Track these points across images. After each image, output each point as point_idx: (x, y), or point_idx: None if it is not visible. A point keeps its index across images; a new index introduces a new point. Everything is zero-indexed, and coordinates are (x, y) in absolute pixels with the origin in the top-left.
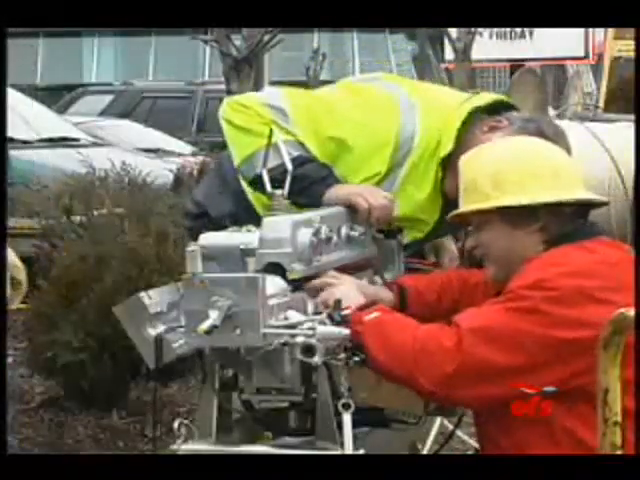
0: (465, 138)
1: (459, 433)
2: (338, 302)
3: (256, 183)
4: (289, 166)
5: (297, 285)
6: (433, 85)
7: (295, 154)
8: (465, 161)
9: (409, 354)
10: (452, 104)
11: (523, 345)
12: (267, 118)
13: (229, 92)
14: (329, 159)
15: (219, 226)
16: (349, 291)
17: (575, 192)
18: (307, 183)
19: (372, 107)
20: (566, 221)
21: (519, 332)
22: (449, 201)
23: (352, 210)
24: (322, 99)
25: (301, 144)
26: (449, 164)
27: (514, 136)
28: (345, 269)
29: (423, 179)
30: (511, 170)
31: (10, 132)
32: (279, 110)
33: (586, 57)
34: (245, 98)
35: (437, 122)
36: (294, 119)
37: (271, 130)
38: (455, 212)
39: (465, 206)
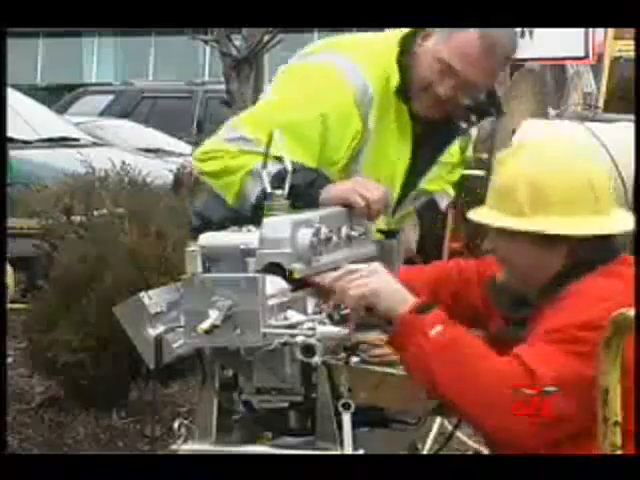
0: (410, 61)
1: (459, 434)
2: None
3: (257, 209)
4: (289, 166)
5: (297, 285)
6: (364, 34)
7: (274, 171)
8: (503, 160)
9: (501, 400)
10: (387, 41)
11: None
12: (234, 152)
13: (229, 92)
14: (314, 155)
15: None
16: (385, 282)
17: (614, 219)
18: (298, 191)
19: (318, 86)
20: (594, 244)
21: (586, 378)
22: (424, 126)
23: (349, 208)
24: (273, 104)
25: (277, 158)
26: (410, 91)
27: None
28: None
29: (392, 120)
30: (553, 187)
31: (10, 132)
32: (239, 140)
33: (586, 57)
34: (206, 145)
35: (379, 62)
36: (258, 139)
37: (271, 133)
38: (485, 221)
39: (495, 213)
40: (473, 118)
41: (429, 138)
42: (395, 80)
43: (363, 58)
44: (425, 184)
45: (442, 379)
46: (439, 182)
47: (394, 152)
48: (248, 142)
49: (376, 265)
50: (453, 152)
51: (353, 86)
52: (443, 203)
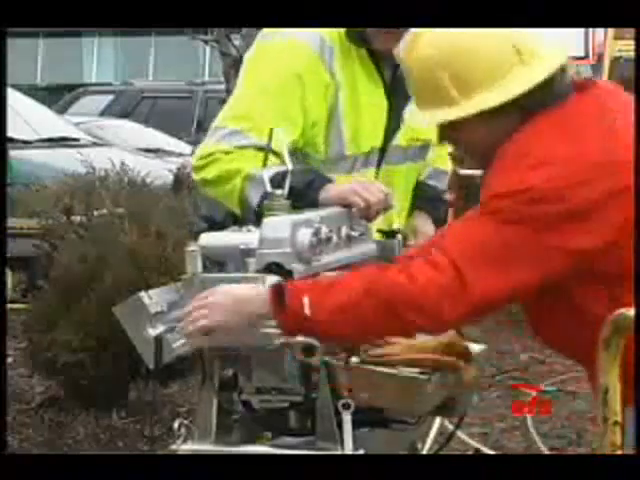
0: None
1: (459, 434)
2: None
3: (260, 214)
4: (289, 165)
5: None
6: None
7: (272, 173)
8: (407, 53)
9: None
10: None
11: (520, 259)
12: (232, 150)
13: (229, 92)
14: (298, 121)
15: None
16: (223, 300)
17: (543, 59)
18: (296, 193)
19: (281, 54)
20: (545, 84)
21: (510, 246)
22: (392, 67)
23: (349, 208)
24: (246, 90)
25: (275, 153)
26: (364, 33)
27: None
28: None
29: (356, 66)
30: (473, 64)
31: (10, 132)
32: (229, 136)
33: (586, 57)
34: (199, 152)
35: None
36: (246, 128)
37: (271, 129)
38: (423, 122)
39: (429, 111)
40: None
41: (400, 80)
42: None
43: None
44: (417, 132)
45: (362, 327)
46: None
47: (367, 98)
48: (238, 134)
49: (210, 291)
50: None
51: (312, 42)
52: (441, 180)
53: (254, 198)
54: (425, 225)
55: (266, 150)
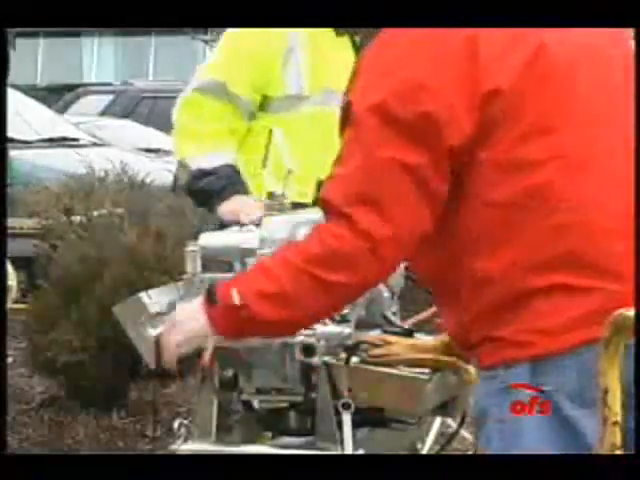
0: None
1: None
2: None
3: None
4: (285, 163)
5: None
6: None
7: (194, 169)
8: None
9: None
10: None
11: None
12: (188, 102)
13: None
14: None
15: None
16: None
17: None
18: (205, 195)
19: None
20: None
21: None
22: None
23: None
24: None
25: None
26: None
27: None
28: None
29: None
30: None
31: (10, 132)
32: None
33: None
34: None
35: None
36: (209, 69)
37: (271, 130)
38: None
39: None
40: None
41: (368, 40)
42: None
43: None
44: None
45: (293, 306)
46: None
47: (334, 55)
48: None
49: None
50: None
51: None
52: None
53: (182, 179)
54: None
55: (266, 151)
